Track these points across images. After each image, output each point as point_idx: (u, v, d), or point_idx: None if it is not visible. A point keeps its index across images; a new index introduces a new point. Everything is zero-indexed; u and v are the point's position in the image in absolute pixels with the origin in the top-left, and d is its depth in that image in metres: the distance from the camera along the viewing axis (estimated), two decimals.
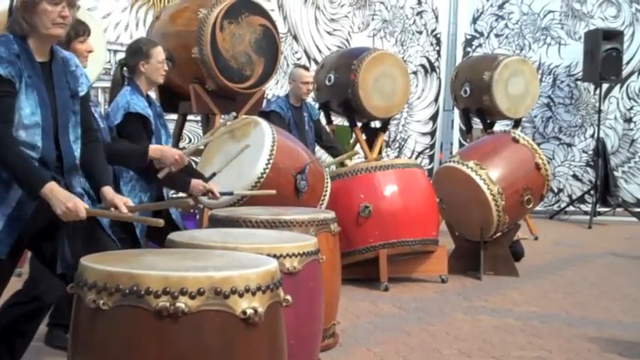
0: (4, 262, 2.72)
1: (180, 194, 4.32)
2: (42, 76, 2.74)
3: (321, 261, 3.25)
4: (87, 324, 2.20)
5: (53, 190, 2.62)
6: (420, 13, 10.06)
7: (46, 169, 2.72)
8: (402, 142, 10.01)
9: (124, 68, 4.16)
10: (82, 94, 2.87)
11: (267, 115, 6.17)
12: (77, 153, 2.83)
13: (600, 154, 9.77)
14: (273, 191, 4.43)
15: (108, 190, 2.84)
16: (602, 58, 9.39)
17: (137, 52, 4.12)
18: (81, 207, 2.63)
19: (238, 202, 4.61)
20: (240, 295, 2.15)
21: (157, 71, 4.12)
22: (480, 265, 6.10)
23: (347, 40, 9.55)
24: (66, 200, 2.62)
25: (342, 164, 6.59)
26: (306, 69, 6.70)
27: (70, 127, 2.79)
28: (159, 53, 4.13)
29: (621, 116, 10.55)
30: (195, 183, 4.15)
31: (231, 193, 4.43)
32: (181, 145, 6.88)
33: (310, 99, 7.00)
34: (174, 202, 3.56)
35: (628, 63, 10.26)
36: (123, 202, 2.81)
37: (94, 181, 2.89)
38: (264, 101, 6.46)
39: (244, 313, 2.15)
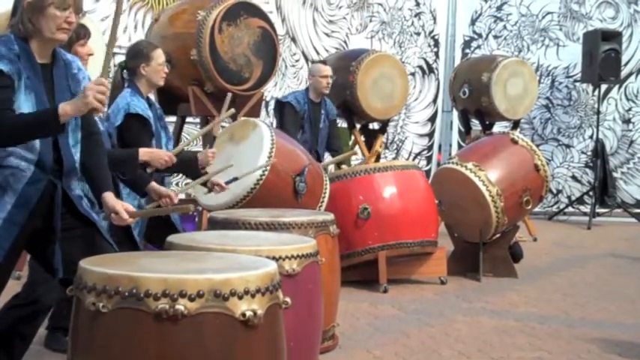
0: (1, 265, 2.72)
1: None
2: (42, 78, 2.72)
3: (320, 263, 3.24)
4: (86, 327, 2.20)
5: (65, 108, 2.58)
6: (418, 15, 10.07)
7: (43, 172, 2.71)
8: (400, 144, 10.02)
9: (124, 71, 4.16)
10: None
11: (282, 106, 6.17)
12: (77, 157, 2.81)
13: (599, 155, 9.77)
14: (273, 159, 4.45)
15: (109, 196, 2.82)
16: (600, 58, 9.39)
17: (137, 54, 4.12)
18: (101, 87, 2.56)
19: (238, 203, 4.61)
20: (240, 298, 2.15)
21: (158, 73, 4.12)
22: (479, 266, 6.10)
23: (345, 42, 9.56)
24: (83, 97, 2.56)
25: (339, 165, 6.59)
26: (324, 63, 6.69)
27: (69, 131, 2.77)
28: (159, 55, 4.14)
29: (620, 117, 10.55)
30: (202, 155, 4.16)
31: (236, 179, 4.44)
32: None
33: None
34: (174, 208, 3.55)
35: (626, 64, 10.27)
36: (124, 207, 2.79)
37: (94, 186, 2.87)
38: (263, 103, 6.46)
39: (244, 315, 2.15)
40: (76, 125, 2.81)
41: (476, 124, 8.79)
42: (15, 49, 2.67)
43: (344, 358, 4.05)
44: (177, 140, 6.50)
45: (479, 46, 10.34)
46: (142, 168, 3.87)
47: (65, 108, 2.58)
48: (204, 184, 4.29)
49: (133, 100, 4.00)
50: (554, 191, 10.29)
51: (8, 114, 2.62)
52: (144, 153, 3.84)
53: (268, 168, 4.69)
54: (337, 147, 6.58)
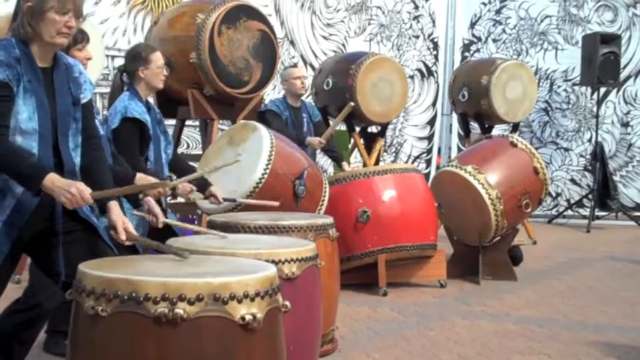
0: (0, 269, 2.71)
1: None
2: (42, 81, 2.71)
3: (319, 266, 3.24)
4: (86, 330, 2.20)
5: (54, 180, 2.59)
6: (416, 18, 10.08)
7: None
8: (399, 147, 10.02)
9: (124, 74, 4.16)
10: (84, 101, 2.84)
11: (263, 115, 6.15)
12: (77, 160, 2.80)
13: (599, 158, 9.77)
14: (277, 203, 4.42)
15: (114, 208, 2.79)
16: (599, 61, 9.40)
17: (136, 57, 4.12)
18: (85, 190, 2.60)
19: (237, 207, 4.61)
20: (239, 301, 2.15)
21: (157, 77, 4.12)
22: (479, 269, 6.10)
23: (343, 45, 9.57)
24: (68, 186, 2.59)
25: (338, 164, 6.57)
26: (295, 66, 6.69)
27: (70, 135, 2.77)
28: (158, 58, 4.13)
29: (618, 121, 10.56)
30: (183, 186, 4.12)
31: (234, 200, 4.42)
32: (179, 150, 6.87)
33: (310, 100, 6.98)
34: (171, 249, 3.43)
35: (624, 67, 10.26)
36: (124, 226, 2.75)
37: None
38: (261, 106, 6.45)
39: (243, 319, 2.15)
40: (77, 129, 2.81)
41: (475, 128, 8.80)
42: (15, 53, 2.66)
43: None
44: (177, 143, 6.50)
45: (478, 50, 10.35)
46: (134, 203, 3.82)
47: (48, 185, 2.58)
48: (202, 190, 4.28)
49: (131, 104, 4.00)
50: (554, 194, 10.29)
51: (3, 133, 2.60)
52: (139, 179, 3.74)
53: (268, 172, 4.68)
54: (331, 146, 6.57)
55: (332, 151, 6.54)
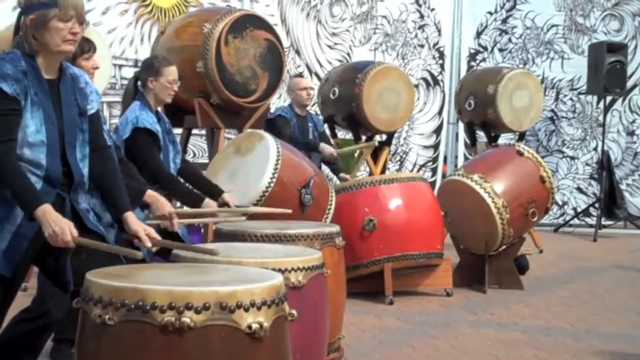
0: (10, 279, 2.72)
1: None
2: (49, 93, 2.72)
3: (326, 275, 3.25)
4: (93, 339, 2.20)
5: (46, 212, 2.58)
6: (422, 27, 10.10)
7: (52, 187, 2.71)
8: (404, 155, 10.03)
9: (138, 81, 4.17)
10: (91, 111, 2.85)
11: (273, 122, 6.18)
12: (85, 171, 2.81)
13: (605, 166, 9.76)
14: (289, 210, 4.41)
15: (131, 218, 2.80)
16: (606, 70, 9.39)
17: (149, 67, 4.13)
18: (67, 232, 2.58)
19: (244, 215, 4.62)
20: (246, 310, 2.15)
21: (165, 91, 4.11)
22: (485, 278, 6.09)
23: (348, 54, 9.59)
24: (54, 224, 2.57)
25: (337, 175, 6.57)
26: (301, 75, 6.72)
27: (77, 146, 2.78)
28: (170, 73, 4.12)
29: (624, 129, 10.55)
30: (207, 203, 4.13)
31: (247, 207, 4.42)
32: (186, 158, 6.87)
33: (314, 111, 7.01)
34: (200, 249, 3.39)
35: (630, 77, 10.25)
36: (146, 232, 2.76)
37: (113, 205, 2.86)
38: (268, 114, 6.47)
39: (250, 327, 2.15)
40: (84, 140, 2.82)
41: (481, 136, 8.80)
42: (22, 66, 2.67)
43: None
44: (184, 152, 6.50)
45: (484, 59, 10.36)
46: (141, 207, 3.82)
47: (39, 215, 2.57)
48: (214, 198, 4.28)
49: (142, 114, 4.00)
50: (560, 203, 10.27)
51: (10, 152, 2.61)
52: (149, 195, 3.72)
53: (274, 181, 4.69)
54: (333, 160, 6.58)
55: (332, 164, 6.56)
